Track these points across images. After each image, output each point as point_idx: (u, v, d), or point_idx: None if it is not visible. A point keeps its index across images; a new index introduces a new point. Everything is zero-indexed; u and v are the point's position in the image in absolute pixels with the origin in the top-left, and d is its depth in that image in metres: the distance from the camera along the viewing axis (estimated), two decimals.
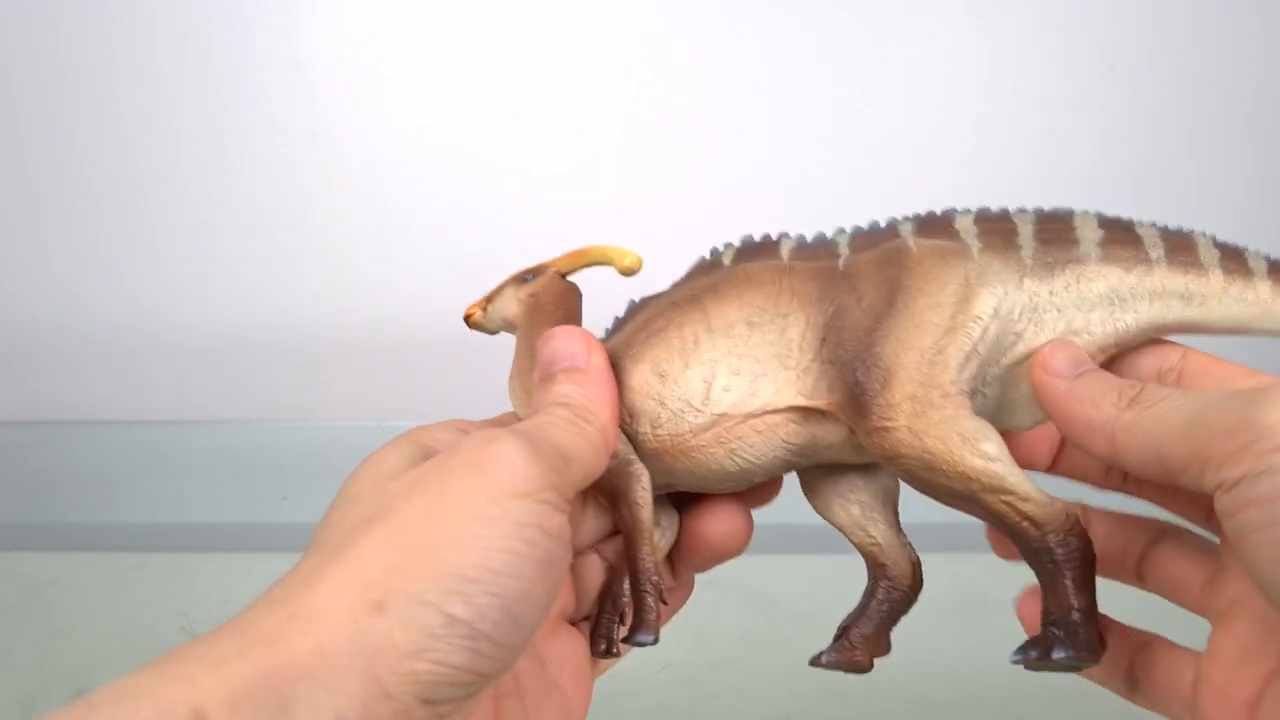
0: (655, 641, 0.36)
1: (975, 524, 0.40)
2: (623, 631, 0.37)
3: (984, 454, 0.32)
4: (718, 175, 0.91)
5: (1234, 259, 0.35)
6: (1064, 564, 0.32)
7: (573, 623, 0.39)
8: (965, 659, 0.53)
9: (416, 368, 0.90)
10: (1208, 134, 0.91)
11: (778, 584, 0.47)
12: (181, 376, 0.94)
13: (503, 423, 0.38)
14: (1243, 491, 0.27)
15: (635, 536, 0.36)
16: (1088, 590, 0.32)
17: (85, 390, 0.95)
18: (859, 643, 0.37)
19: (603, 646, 0.37)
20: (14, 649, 0.65)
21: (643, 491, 0.36)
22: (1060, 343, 0.34)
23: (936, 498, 0.34)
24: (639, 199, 0.91)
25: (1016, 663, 0.32)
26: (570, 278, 0.41)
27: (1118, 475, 0.37)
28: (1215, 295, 0.34)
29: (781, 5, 0.89)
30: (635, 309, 0.38)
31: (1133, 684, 0.36)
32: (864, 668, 0.36)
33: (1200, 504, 0.35)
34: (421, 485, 0.29)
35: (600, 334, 0.38)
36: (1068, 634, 0.32)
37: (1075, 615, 0.32)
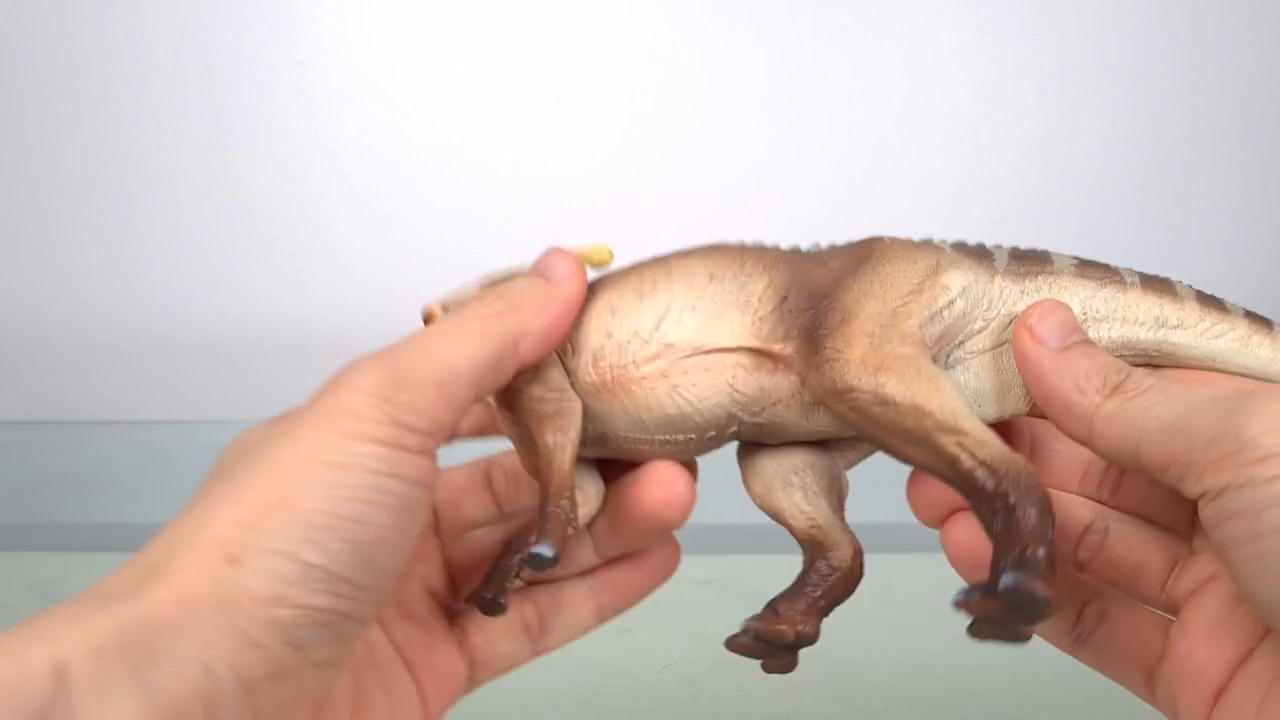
0: (555, 559, 0.31)
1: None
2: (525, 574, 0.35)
3: (941, 389, 0.30)
4: (717, 175, 0.91)
5: (1210, 300, 0.34)
6: (1023, 506, 0.28)
7: (448, 609, 0.37)
8: (964, 659, 0.53)
9: None
10: (1208, 134, 0.91)
11: (778, 584, 0.47)
12: (181, 376, 0.94)
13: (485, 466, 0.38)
14: (1226, 503, 0.27)
15: (550, 475, 0.32)
16: (1048, 536, 0.28)
17: (85, 390, 0.95)
18: (784, 614, 0.34)
19: (490, 594, 0.34)
20: None
21: (570, 426, 0.33)
22: (1051, 304, 0.32)
23: (883, 443, 0.32)
24: (639, 199, 0.91)
25: (958, 606, 0.28)
26: None
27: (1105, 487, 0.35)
28: (1190, 325, 0.34)
29: (781, 5, 0.88)
30: None
31: (1079, 640, 0.34)
32: (785, 636, 0.34)
33: (1176, 506, 0.34)
34: (274, 438, 0.28)
35: None
36: (1017, 562, 0.27)
37: (1030, 552, 0.27)
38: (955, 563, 0.34)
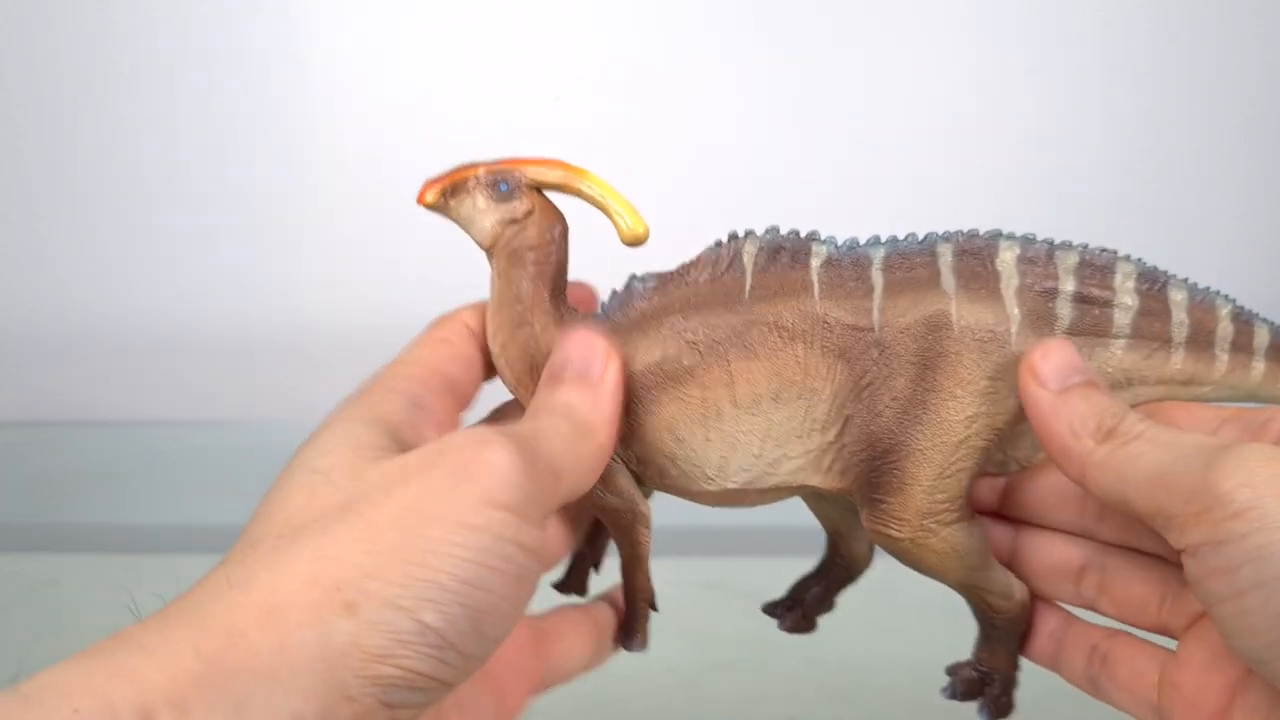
0: (645, 648, 0.38)
1: None
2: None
3: (970, 566, 0.34)
4: (719, 175, 0.91)
5: (1243, 334, 0.35)
6: (1006, 636, 0.36)
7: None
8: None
9: None
10: (1208, 134, 0.91)
11: (778, 586, 0.47)
12: (181, 376, 0.94)
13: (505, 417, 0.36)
14: (1205, 559, 0.27)
15: (635, 567, 0.36)
16: (1016, 658, 0.36)
17: (85, 390, 0.95)
18: (809, 613, 0.40)
19: (570, 584, 0.39)
20: (13, 650, 0.64)
21: (646, 532, 0.36)
22: (1050, 347, 0.32)
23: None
24: (640, 199, 0.91)
25: (944, 694, 0.37)
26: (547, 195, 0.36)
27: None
28: (1214, 382, 0.35)
29: (783, 4, 0.88)
30: (637, 298, 0.35)
31: (1092, 682, 0.35)
32: (810, 630, 0.40)
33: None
34: (403, 481, 0.27)
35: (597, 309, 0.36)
36: (991, 698, 0.36)
37: (1000, 678, 0.36)
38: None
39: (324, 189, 0.91)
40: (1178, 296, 0.34)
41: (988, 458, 0.34)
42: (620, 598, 0.38)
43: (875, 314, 0.33)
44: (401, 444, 0.30)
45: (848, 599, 0.44)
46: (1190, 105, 0.90)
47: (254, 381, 0.93)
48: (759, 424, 0.34)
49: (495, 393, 0.38)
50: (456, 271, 0.91)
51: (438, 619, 0.26)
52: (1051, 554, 0.36)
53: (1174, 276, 0.35)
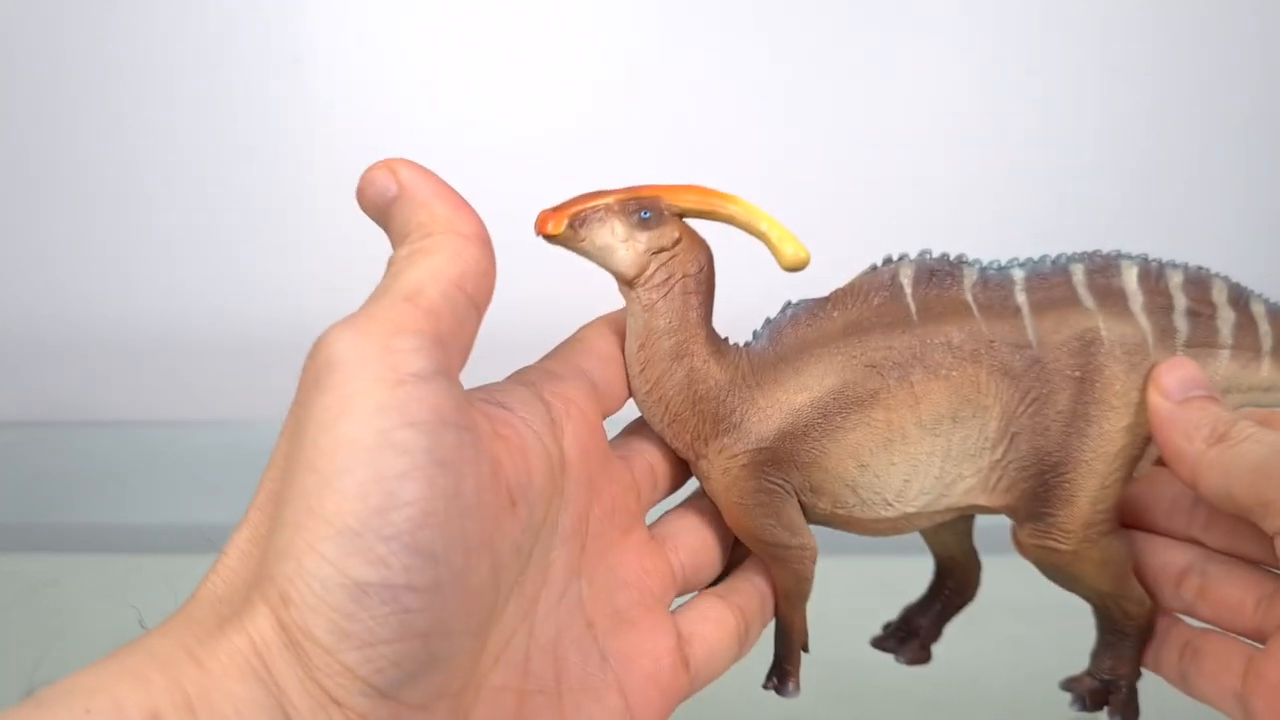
0: (798, 693, 0.37)
1: (984, 528, 0.40)
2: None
3: (1121, 575, 0.36)
4: (720, 174, 0.90)
5: None
6: (1135, 642, 0.37)
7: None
8: (970, 663, 0.53)
9: None
10: (1208, 134, 0.91)
11: None
12: (181, 376, 0.94)
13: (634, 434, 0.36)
14: None
15: (795, 607, 0.36)
16: (1139, 663, 0.37)
17: (85, 390, 0.95)
18: (926, 642, 0.41)
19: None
20: (12, 650, 0.64)
21: (813, 566, 0.35)
22: (1176, 363, 0.35)
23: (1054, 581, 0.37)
24: None
25: (1074, 707, 0.38)
26: (688, 222, 0.34)
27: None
28: None
29: (784, 4, 0.88)
30: (794, 325, 0.35)
31: (1183, 677, 0.36)
32: (928, 661, 0.40)
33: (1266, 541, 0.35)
34: (286, 440, 0.24)
35: (748, 337, 0.35)
36: (1120, 703, 0.37)
37: (1126, 684, 0.37)
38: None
39: (324, 189, 0.91)
40: (1258, 309, 0.37)
41: (1136, 467, 0.35)
42: (755, 578, 0.36)
43: (1030, 332, 0.34)
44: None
45: (851, 598, 0.44)
46: (1190, 105, 0.90)
47: (254, 381, 0.93)
48: (940, 444, 0.34)
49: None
50: None
51: (367, 569, 0.22)
52: (1157, 558, 0.37)
53: (1252, 291, 0.37)
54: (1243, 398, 0.37)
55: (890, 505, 0.34)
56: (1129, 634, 0.37)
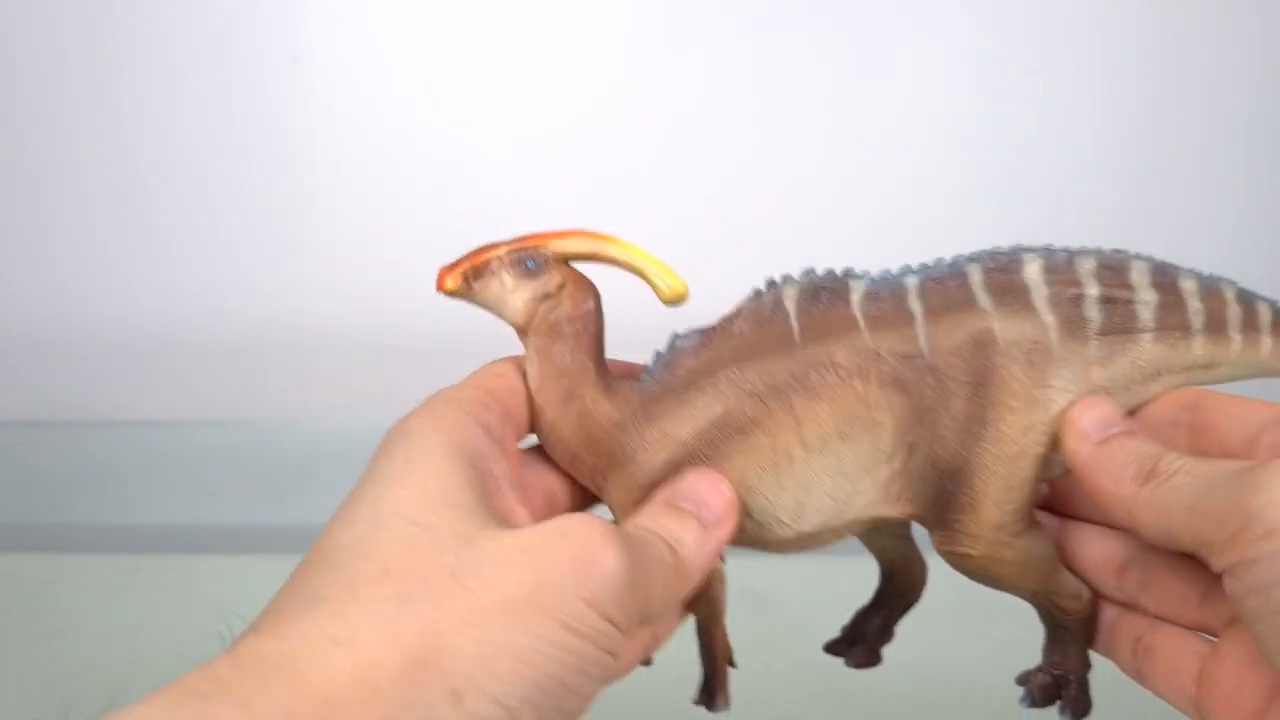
0: (729, 707, 0.37)
1: None
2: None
3: (1045, 572, 0.35)
4: (720, 173, 0.91)
5: (1249, 313, 0.36)
6: (1077, 636, 0.37)
7: None
8: (965, 662, 0.53)
9: (418, 367, 0.90)
10: (1208, 134, 0.91)
11: (778, 586, 0.47)
12: (181, 376, 0.94)
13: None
14: (1239, 579, 0.27)
15: (712, 625, 0.37)
16: (1087, 657, 0.37)
17: (85, 390, 0.95)
18: (874, 646, 0.40)
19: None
20: (11, 651, 0.64)
21: (721, 587, 0.36)
22: (1089, 403, 0.34)
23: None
24: (642, 198, 0.91)
25: (1024, 704, 0.37)
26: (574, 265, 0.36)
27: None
28: (1230, 361, 0.36)
29: (781, 4, 0.88)
30: (683, 356, 0.35)
31: (1139, 673, 0.36)
32: (878, 664, 0.40)
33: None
34: (517, 563, 0.27)
35: (642, 368, 0.36)
36: (1071, 698, 0.37)
37: (1076, 678, 0.37)
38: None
39: (324, 189, 0.91)
40: (1188, 285, 0.36)
41: (1045, 465, 0.35)
42: None
43: (922, 340, 0.34)
44: (483, 479, 0.30)
45: (847, 598, 0.44)
46: (1190, 105, 0.90)
47: (254, 381, 0.93)
48: (829, 464, 0.34)
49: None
50: None
51: (533, 718, 0.26)
52: (1096, 549, 0.36)
53: (1180, 267, 0.36)
54: (1179, 378, 0.36)
55: (787, 525, 0.35)
56: (1070, 628, 0.37)
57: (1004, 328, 0.34)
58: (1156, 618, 0.35)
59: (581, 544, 0.27)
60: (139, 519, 0.85)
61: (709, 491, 0.33)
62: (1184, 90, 0.90)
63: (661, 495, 0.33)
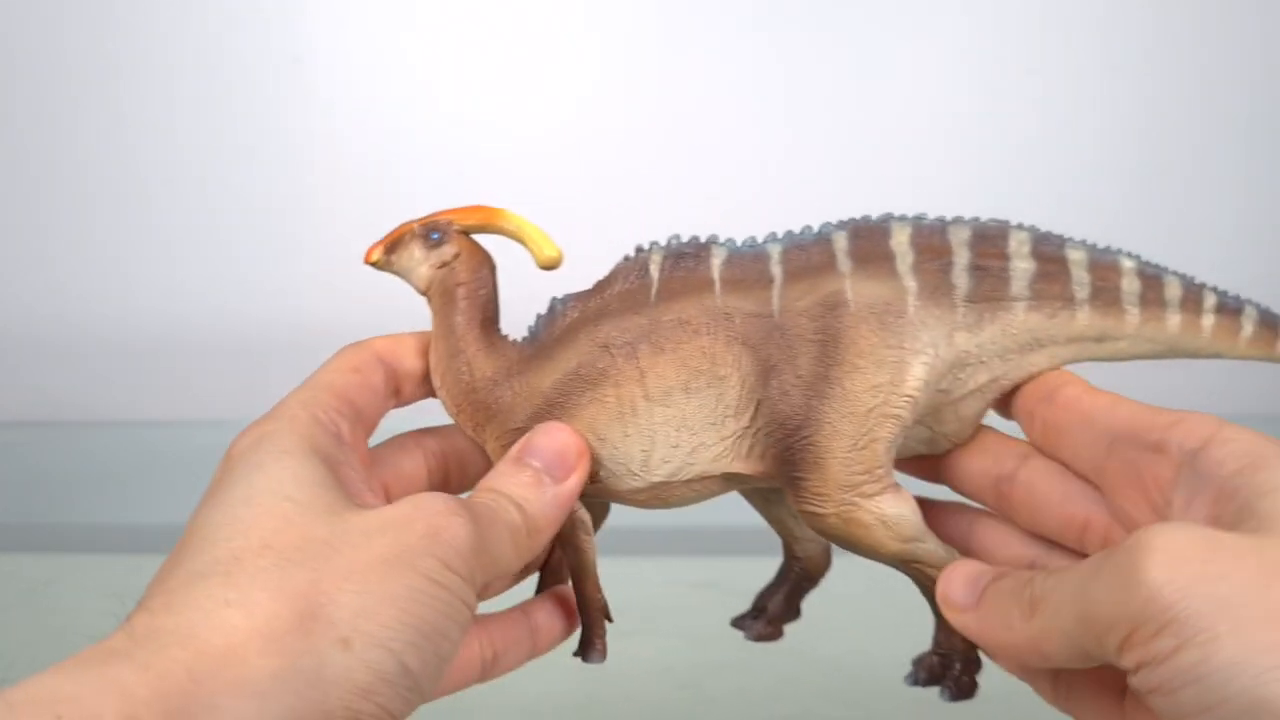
0: (604, 659, 0.38)
1: None
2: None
3: (903, 536, 0.35)
4: (719, 171, 0.91)
5: (1152, 289, 0.36)
6: None
7: None
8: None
9: None
10: (1208, 134, 0.91)
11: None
12: (181, 376, 0.94)
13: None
14: (1143, 679, 0.26)
15: (581, 575, 0.38)
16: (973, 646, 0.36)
17: (85, 390, 0.95)
18: (774, 620, 0.41)
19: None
20: (10, 651, 0.64)
21: (586, 536, 0.37)
22: (949, 573, 0.33)
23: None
24: (641, 196, 0.91)
25: (908, 680, 0.37)
26: (479, 240, 0.39)
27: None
28: (1128, 336, 0.36)
29: (781, 4, 0.88)
30: (559, 318, 0.37)
31: (1063, 700, 0.34)
32: (777, 638, 0.41)
33: None
34: (380, 532, 0.30)
35: (523, 332, 0.38)
36: (953, 678, 0.36)
37: (959, 659, 0.36)
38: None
39: (324, 189, 0.91)
40: (1076, 256, 0.36)
41: (906, 429, 0.35)
42: (569, 593, 0.39)
43: (775, 301, 0.35)
44: (337, 477, 0.32)
45: (846, 599, 0.44)
46: (1190, 105, 0.90)
47: (254, 381, 0.93)
48: (673, 414, 0.36)
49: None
50: None
51: (416, 662, 0.28)
52: (1006, 550, 0.36)
53: (1073, 239, 0.36)
54: (1067, 350, 0.36)
55: (636, 475, 0.36)
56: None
57: (857, 290, 0.35)
58: None
59: (431, 514, 0.30)
60: (139, 519, 0.85)
61: (556, 445, 0.35)
62: (1184, 90, 0.90)
63: (513, 451, 0.35)
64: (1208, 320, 0.36)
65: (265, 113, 0.90)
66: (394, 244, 0.39)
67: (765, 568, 0.46)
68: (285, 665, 0.26)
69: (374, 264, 0.39)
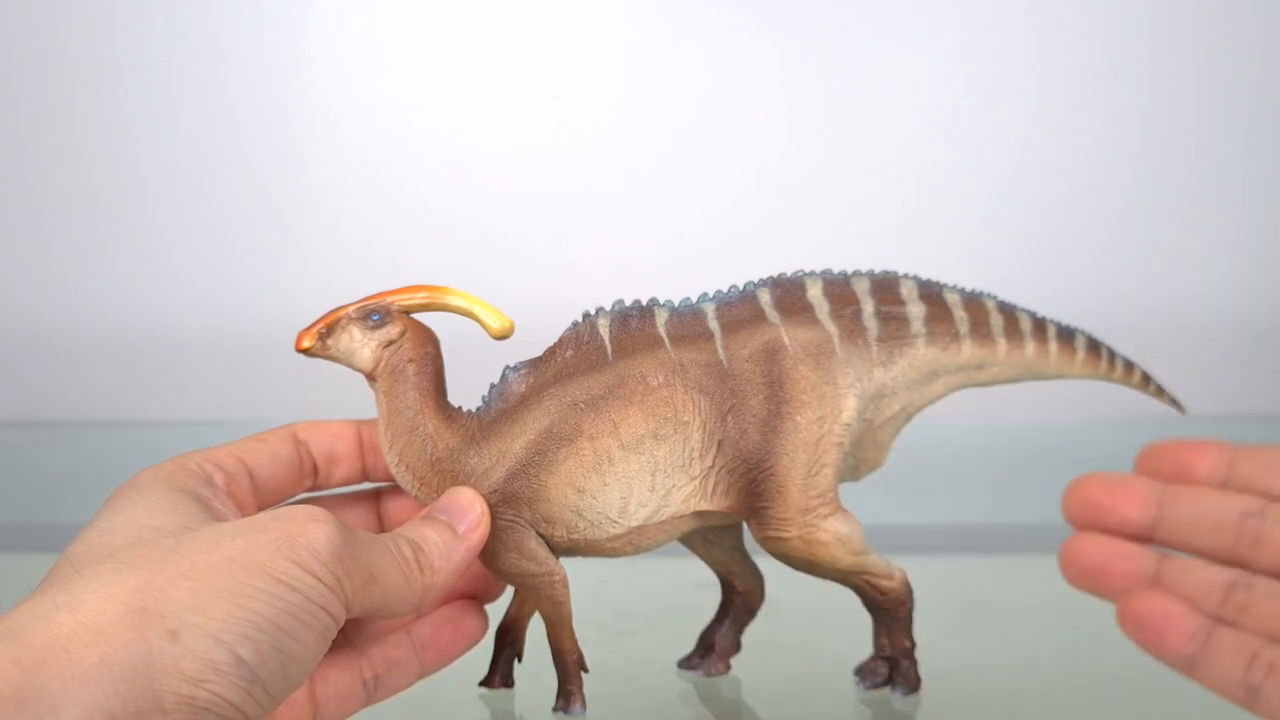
0: (584, 710, 0.41)
1: (976, 527, 0.40)
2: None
3: (854, 550, 0.40)
4: (718, 172, 0.91)
5: (1011, 322, 0.43)
6: (899, 619, 0.42)
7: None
8: (965, 662, 0.53)
9: None
10: (1208, 134, 0.91)
11: (776, 588, 0.48)
12: (181, 376, 0.94)
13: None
14: None
15: (558, 627, 0.40)
16: (910, 636, 0.43)
17: (85, 390, 0.95)
18: (723, 655, 0.46)
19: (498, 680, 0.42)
20: None
21: (565, 593, 0.40)
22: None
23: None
24: (638, 199, 0.91)
25: (863, 687, 0.43)
26: (419, 317, 0.40)
27: None
28: (999, 363, 0.43)
29: (781, 4, 0.88)
30: (512, 385, 0.39)
31: (1251, 692, 0.32)
32: (727, 672, 0.45)
33: None
34: (231, 536, 0.31)
35: (477, 404, 0.39)
36: (901, 675, 0.43)
37: (904, 657, 0.42)
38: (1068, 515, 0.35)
39: (324, 189, 0.91)
40: (952, 298, 0.42)
41: (845, 455, 0.40)
42: (465, 607, 0.40)
43: (721, 351, 0.39)
44: (205, 508, 0.34)
45: (846, 600, 0.44)
46: (1190, 106, 0.90)
47: (254, 381, 0.93)
48: (646, 460, 0.39)
49: None
50: (456, 270, 0.91)
51: (251, 654, 0.29)
52: (1199, 576, 0.34)
53: (946, 284, 0.42)
54: (956, 378, 0.42)
55: (615, 522, 0.39)
56: (886, 608, 0.42)
57: (792, 335, 0.40)
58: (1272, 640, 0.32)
59: (290, 521, 0.32)
60: None
61: (459, 503, 0.37)
62: (1184, 90, 0.90)
63: (424, 511, 0.37)
64: (1053, 346, 0.43)
65: (265, 113, 0.90)
66: (329, 329, 0.39)
67: (767, 570, 0.46)
68: (111, 654, 0.27)
69: (306, 351, 0.39)
